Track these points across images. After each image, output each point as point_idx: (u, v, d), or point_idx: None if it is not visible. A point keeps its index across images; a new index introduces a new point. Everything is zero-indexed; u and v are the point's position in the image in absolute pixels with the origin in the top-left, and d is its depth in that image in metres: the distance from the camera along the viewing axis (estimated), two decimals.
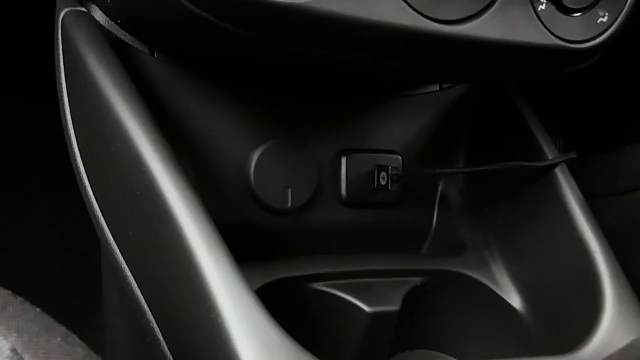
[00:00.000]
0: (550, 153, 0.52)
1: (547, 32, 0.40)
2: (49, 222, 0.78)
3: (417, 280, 0.50)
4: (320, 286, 0.47)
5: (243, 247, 0.37)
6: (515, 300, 0.52)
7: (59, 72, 0.43)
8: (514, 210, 0.54)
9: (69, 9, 0.44)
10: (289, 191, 0.49)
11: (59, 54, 0.43)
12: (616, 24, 0.42)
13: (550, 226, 0.51)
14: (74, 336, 0.21)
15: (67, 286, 0.77)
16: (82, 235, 0.73)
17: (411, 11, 0.35)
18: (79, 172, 0.42)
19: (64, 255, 0.79)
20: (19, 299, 0.22)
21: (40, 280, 0.73)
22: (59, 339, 0.19)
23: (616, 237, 0.49)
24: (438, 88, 0.56)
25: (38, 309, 0.22)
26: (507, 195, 0.54)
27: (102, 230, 0.40)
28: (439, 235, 0.57)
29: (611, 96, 0.79)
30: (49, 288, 0.72)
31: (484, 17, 0.37)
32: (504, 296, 0.52)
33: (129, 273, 0.39)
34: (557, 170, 0.52)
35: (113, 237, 0.40)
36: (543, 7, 0.39)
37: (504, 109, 0.56)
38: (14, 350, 0.16)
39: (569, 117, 0.83)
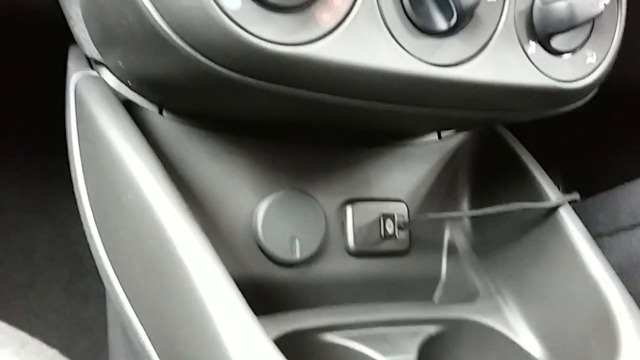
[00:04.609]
0: (552, 194, 0.53)
1: (539, 72, 0.41)
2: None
3: (432, 329, 0.49)
4: (333, 337, 0.46)
5: (251, 301, 0.37)
6: (532, 346, 0.51)
7: (71, 132, 0.45)
8: (522, 253, 0.54)
9: (81, 72, 0.46)
10: (297, 242, 0.49)
11: (71, 115, 0.45)
12: (604, 63, 0.44)
13: (560, 267, 0.51)
14: None
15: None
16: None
17: (408, 57, 0.37)
18: (89, 228, 0.43)
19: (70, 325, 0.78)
20: (36, 340, 0.22)
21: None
22: None
23: (624, 273, 0.49)
24: (437, 137, 0.57)
25: (56, 350, 0.22)
26: (514, 238, 0.54)
27: (110, 283, 0.40)
28: (449, 282, 0.56)
29: (606, 136, 0.81)
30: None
31: (477, 60, 0.39)
32: (520, 343, 0.51)
33: (138, 326, 0.38)
34: (562, 210, 0.52)
35: (123, 289, 0.39)
36: (533, 49, 0.41)
37: (503, 154, 0.57)
38: None
39: (566, 159, 0.85)
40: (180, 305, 0.36)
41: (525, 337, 0.51)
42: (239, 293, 0.36)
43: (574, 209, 0.53)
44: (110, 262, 0.41)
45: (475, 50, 0.39)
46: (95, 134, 0.42)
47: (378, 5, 0.36)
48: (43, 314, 0.77)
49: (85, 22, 0.43)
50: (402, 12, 0.37)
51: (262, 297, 0.48)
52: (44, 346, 0.22)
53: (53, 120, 0.55)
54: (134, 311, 0.39)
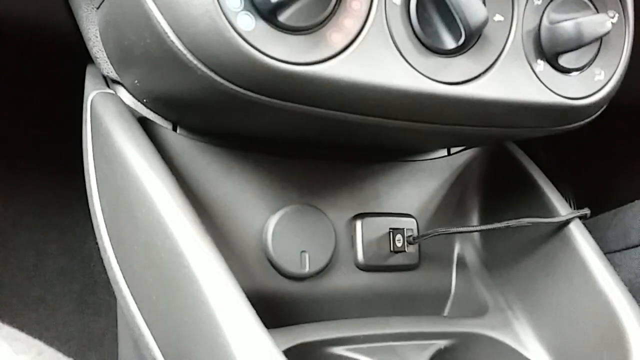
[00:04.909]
0: (562, 209, 0.53)
1: (547, 90, 0.42)
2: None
3: (441, 343, 0.50)
4: (342, 350, 0.46)
5: (261, 314, 0.38)
6: None
7: (87, 148, 0.46)
8: (532, 267, 0.54)
9: (98, 90, 0.47)
10: (307, 256, 0.49)
11: (87, 132, 0.46)
12: (612, 81, 0.45)
13: (570, 282, 0.51)
14: None
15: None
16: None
17: (417, 75, 0.38)
18: (102, 241, 0.44)
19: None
20: (52, 348, 0.23)
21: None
22: None
23: (635, 290, 0.49)
24: (447, 153, 0.58)
25: (71, 359, 0.22)
26: (524, 253, 0.55)
27: (122, 295, 0.41)
28: (459, 296, 0.56)
29: (617, 153, 0.81)
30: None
31: (485, 78, 0.40)
32: (530, 357, 0.51)
33: (150, 337, 0.39)
34: (572, 226, 0.52)
35: (135, 301, 0.40)
36: (541, 68, 0.42)
37: (512, 170, 0.57)
38: None
39: (577, 176, 0.85)
40: (191, 317, 0.37)
41: (535, 351, 0.51)
42: (250, 305, 0.37)
43: (584, 224, 0.53)
44: (123, 275, 0.42)
45: (483, 68, 0.40)
46: (111, 150, 0.43)
47: (388, 25, 0.37)
48: (54, 327, 0.77)
49: (103, 43, 0.44)
50: (411, 32, 0.38)
51: (272, 310, 0.48)
52: (60, 355, 0.22)
53: (67, 137, 0.57)
54: (146, 323, 0.40)
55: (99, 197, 0.45)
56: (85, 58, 0.51)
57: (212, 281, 0.37)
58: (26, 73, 0.74)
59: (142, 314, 0.40)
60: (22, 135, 0.79)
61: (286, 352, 0.42)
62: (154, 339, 0.39)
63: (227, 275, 0.38)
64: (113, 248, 0.43)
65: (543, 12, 0.42)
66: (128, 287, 0.41)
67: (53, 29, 0.53)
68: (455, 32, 0.38)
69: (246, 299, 0.37)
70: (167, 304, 0.38)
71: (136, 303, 0.40)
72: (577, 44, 0.41)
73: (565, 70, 0.43)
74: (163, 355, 0.38)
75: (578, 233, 0.52)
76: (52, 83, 0.73)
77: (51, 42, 0.56)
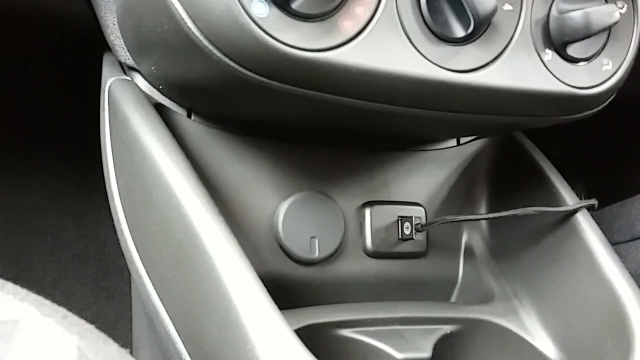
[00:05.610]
0: (570, 199, 0.54)
1: (555, 79, 0.42)
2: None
3: (447, 328, 0.50)
4: (350, 333, 0.47)
5: (271, 297, 0.39)
6: (547, 348, 0.51)
7: (104, 133, 0.47)
8: (539, 256, 0.54)
9: (115, 77, 0.48)
10: (316, 242, 0.50)
11: (104, 117, 0.48)
12: (620, 71, 0.45)
13: (576, 270, 0.51)
14: (128, 350, 0.23)
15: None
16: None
17: (426, 62, 0.39)
18: (119, 223, 0.45)
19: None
20: (75, 315, 0.24)
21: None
22: (115, 347, 0.21)
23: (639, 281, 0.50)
24: (456, 143, 0.58)
25: (94, 325, 0.23)
26: (531, 242, 0.55)
27: (139, 275, 0.42)
28: (466, 284, 0.57)
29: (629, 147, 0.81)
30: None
31: (493, 66, 0.41)
32: (535, 344, 0.52)
33: (165, 314, 0.40)
34: (579, 215, 0.53)
35: (150, 280, 0.42)
36: (549, 57, 0.42)
37: (521, 160, 0.58)
38: (78, 348, 0.18)
39: (589, 169, 0.85)
40: (205, 294, 0.38)
41: (540, 338, 0.52)
42: (261, 283, 0.38)
43: (591, 216, 0.54)
44: (139, 255, 0.43)
45: (491, 57, 0.41)
46: (128, 134, 0.44)
47: (398, 14, 0.38)
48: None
49: (120, 30, 0.46)
50: (421, 20, 0.39)
51: (282, 293, 0.49)
52: (83, 320, 0.24)
53: (82, 125, 0.58)
54: (161, 300, 0.41)
55: (116, 180, 0.46)
56: (102, 45, 0.52)
57: (225, 260, 0.38)
58: (44, 61, 0.76)
59: (157, 292, 0.41)
60: (38, 123, 0.81)
61: (295, 333, 0.44)
62: (169, 315, 0.40)
63: (239, 254, 0.39)
64: (130, 229, 0.44)
65: (552, 2, 0.42)
66: (144, 266, 0.43)
67: (71, 17, 0.54)
68: (464, 20, 0.39)
69: (258, 278, 0.38)
70: (181, 282, 0.40)
71: (151, 281, 0.42)
72: (585, 34, 0.41)
73: (573, 60, 0.43)
74: (177, 330, 0.40)
75: (585, 223, 0.52)
76: (70, 70, 0.74)
77: (69, 30, 0.58)
